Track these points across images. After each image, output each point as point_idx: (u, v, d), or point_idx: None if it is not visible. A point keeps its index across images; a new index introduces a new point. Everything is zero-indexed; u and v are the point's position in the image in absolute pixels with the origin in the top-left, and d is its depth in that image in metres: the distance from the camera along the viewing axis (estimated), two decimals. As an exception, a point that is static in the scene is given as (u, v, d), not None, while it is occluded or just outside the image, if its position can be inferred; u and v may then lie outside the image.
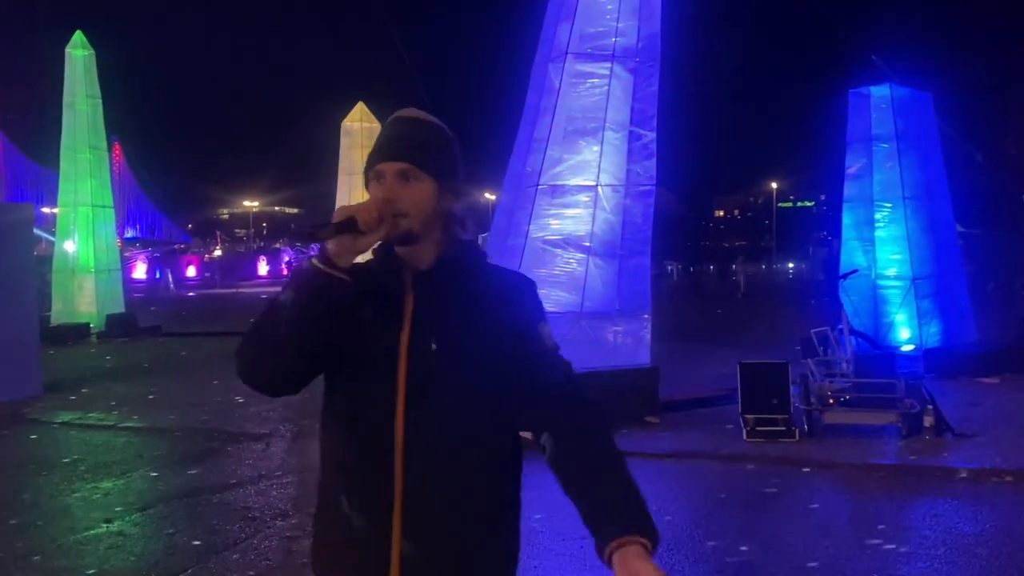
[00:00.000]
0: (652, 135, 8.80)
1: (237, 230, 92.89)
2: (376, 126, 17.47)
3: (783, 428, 7.32)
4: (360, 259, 1.74)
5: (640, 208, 8.79)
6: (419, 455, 1.71)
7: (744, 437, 7.36)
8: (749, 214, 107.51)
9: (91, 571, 4.77)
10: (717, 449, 7.20)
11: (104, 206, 16.78)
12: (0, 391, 9.73)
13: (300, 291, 1.65)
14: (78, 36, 16.31)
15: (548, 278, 8.43)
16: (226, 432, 8.23)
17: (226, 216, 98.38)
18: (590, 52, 8.61)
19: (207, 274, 44.95)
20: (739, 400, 7.56)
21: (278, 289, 1.78)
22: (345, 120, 17.19)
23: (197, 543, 5.17)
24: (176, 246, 53.12)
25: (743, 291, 30.16)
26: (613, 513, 1.72)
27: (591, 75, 8.60)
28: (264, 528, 5.43)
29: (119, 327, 16.15)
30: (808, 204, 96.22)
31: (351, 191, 17.17)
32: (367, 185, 1.80)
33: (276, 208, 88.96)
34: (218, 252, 58.79)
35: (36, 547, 5.17)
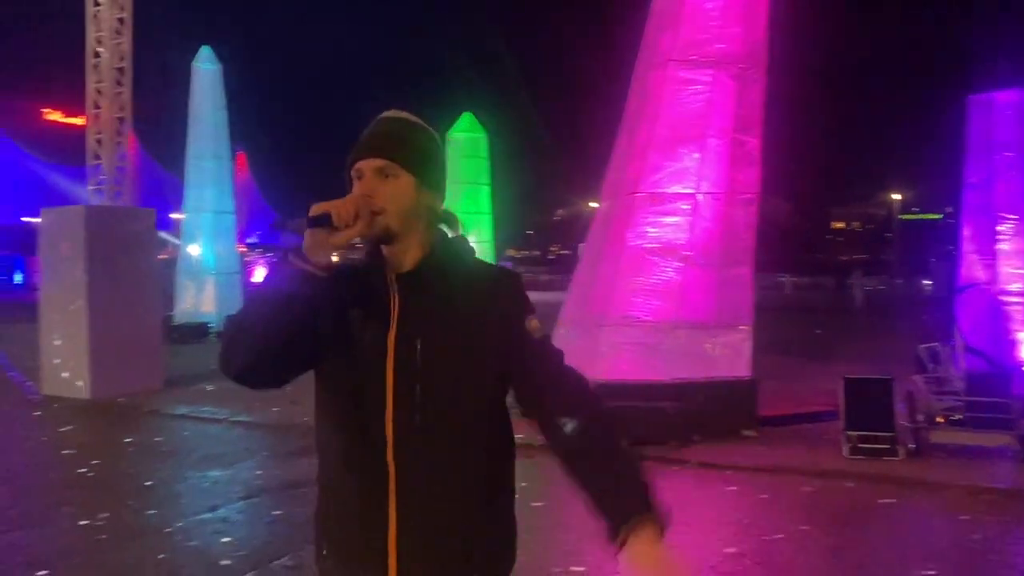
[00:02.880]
0: (756, 142, 8.63)
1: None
2: (482, 136, 17.78)
3: (887, 446, 7.03)
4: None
5: (742, 217, 8.62)
6: (409, 451, 1.72)
7: (845, 454, 7.10)
8: (870, 226, 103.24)
9: (195, 554, 5.04)
10: (815, 465, 6.96)
11: (225, 212, 17.66)
12: (125, 384, 10.40)
13: (277, 285, 1.64)
14: (205, 51, 17.26)
15: (644, 286, 8.39)
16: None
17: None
18: (693, 59, 8.52)
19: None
20: (842, 416, 7.31)
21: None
22: (451, 130, 17.56)
23: (294, 532, 5.39)
24: (294, 252, 54.93)
25: (859, 305, 28.99)
26: (621, 494, 1.69)
27: (693, 82, 8.51)
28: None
29: (236, 327, 16.86)
30: (935, 216, 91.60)
31: (454, 201, 17.51)
32: (349, 185, 1.80)
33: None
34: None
35: (146, 529, 5.50)
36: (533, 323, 1.85)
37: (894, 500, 6.20)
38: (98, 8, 11.11)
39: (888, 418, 7.14)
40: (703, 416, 7.89)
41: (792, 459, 7.21)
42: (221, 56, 17.38)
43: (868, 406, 7.21)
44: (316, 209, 1.65)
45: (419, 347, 1.73)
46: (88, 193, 11.95)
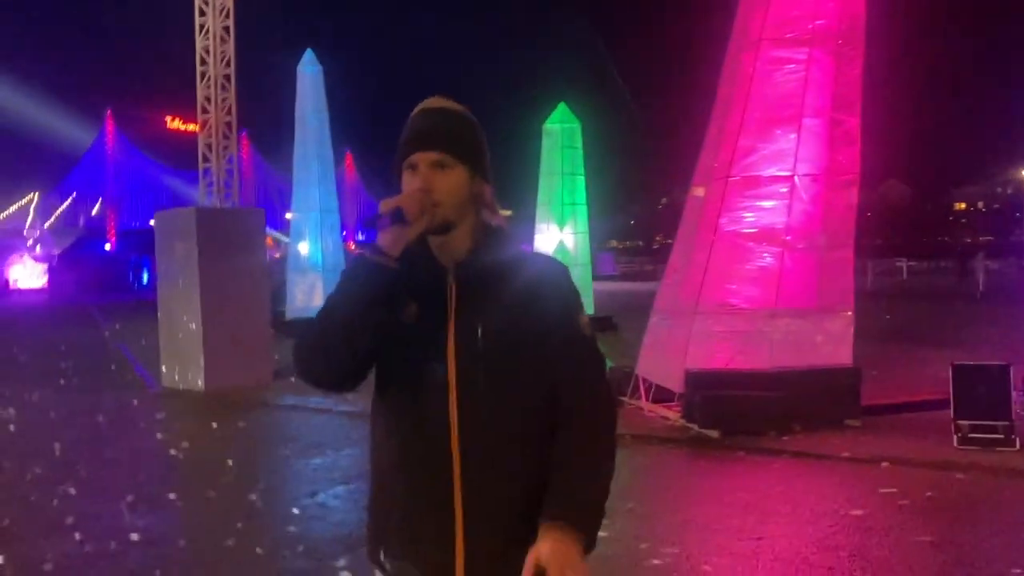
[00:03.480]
0: (855, 121, 8.29)
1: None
2: (577, 126, 17.69)
3: (1001, 436, 6.65)
4: None
5: (842, 198, 8.30)
6: (473, 438, 1.75)
7: (955, 444, 6.76)
8: (996, 206, 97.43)
9: (292, 538, 5.26)
10: (922, 456, 6.66)
11: (330, 211, 18.24)
12: (237, 376, 10.89)
13: (361, 284, 1.68)
14: (308, 54, 17.84)
15: (740, 272, 8.20)
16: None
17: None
18: (786, 37, 8.25)
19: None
20: (951, 405, 6.96)
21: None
22: (547, 121, 17.54)
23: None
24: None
25: (981, 290, 27.45)
26: (568, 495, 1.73)
27: (788, 61, 8.24)
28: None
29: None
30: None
31: (552, 192, 17.52)
32: (399, 176, 1.83)
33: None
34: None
35: (250, 513, 5.76)
36: (584, 318, 1.87)
37: (1007, 493, 5.87)
38: (204, 19, 11.66)
39: (1004, 407, 6.76)
40: (804, 405, 7.66)
41: (897, 449, 6.91)
42: (328, 59, 17.95)
43: (981, 394, 6.84)
44: (387, 205, 1.71)
45: (480, 333, 1.75)
46: (199, 195, 12.56)
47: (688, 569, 4.64)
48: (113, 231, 63.03)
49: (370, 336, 1.70)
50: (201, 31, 11.74)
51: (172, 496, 6.17)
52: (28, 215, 67.31)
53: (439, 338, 1.76)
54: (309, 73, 17.72)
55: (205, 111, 11.92)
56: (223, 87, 11.80)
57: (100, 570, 4.71)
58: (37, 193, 68.63)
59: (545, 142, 17.72)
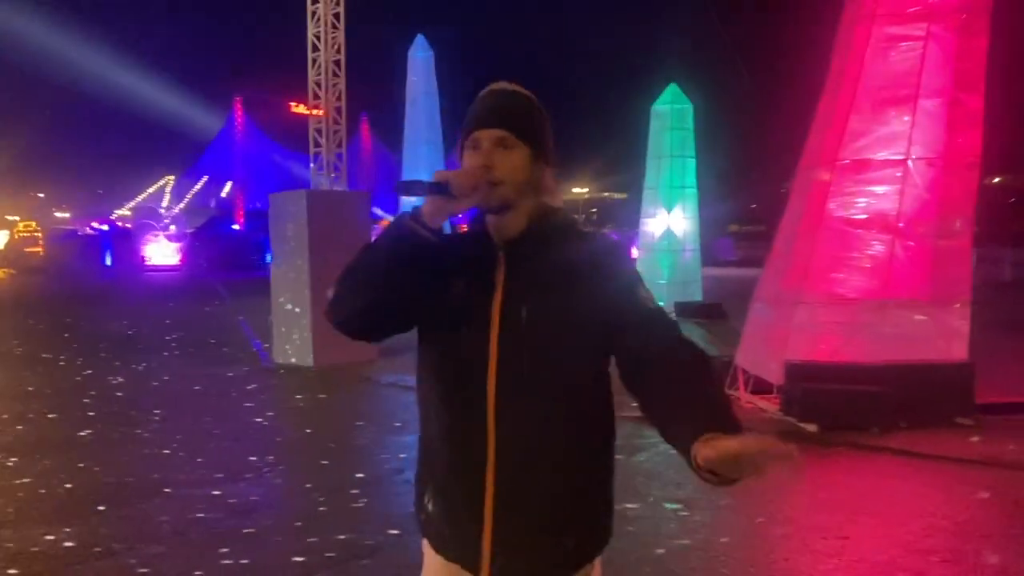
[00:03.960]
0: (978, 102, 7.76)
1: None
2: (688, 107, 17.31)
3: None
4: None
5: (960, 184, 7.80)
6: (509, 414, 1.75)
7: (1078, 449, 6.30)
8: None
9: (374, 513, 5.40)
10: (1039, 459, 6.24)
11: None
12: (344, 354, 11.22)
13: (391, 241, 1.70)
14: (419, 39, 18.12)
15: (847, 261, 7.84)
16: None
17: (562, 203, 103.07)
18: (903, 11, 7.79)
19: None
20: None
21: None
22: (656, 103, 17.24)
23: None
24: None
25: None
26: (707, 416, 1.55)
27: (903, 37, 7.78)
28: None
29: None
30: None
31: (660, 175, 17.22)
32: (461, 153, 1.83)
33: (606, 194, 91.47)
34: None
35: (342, 485, 5.94)
36: (644, 292, 1.84)
37: None
38: (316, 6, 12.01)
39: None
40: (911, 401, 7.28)
41: (1012, 452, 6.49)
42: (444, 44, 18.21)
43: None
44: (441, 175, 1.71)
45: (525, 313, 1.75)
46: (311, 178, 13.00)
47: (766, 564, 4.51)
48: (241, 211, 66.14)
49: (390, 294, 1.71)
50: (312, 18, 12.10)
51: (272, 470, 6.45)
52: (163, 197, 71.40)
53: (484, 315, 1.76)
54: (420, 58, 18.02)
55: (316, 97, 12.30)
56: (334, 73, 12.14)
57: (208, 534, 4.97)
58: (172, 176, 72.71)
59: (654, 124, 17.43)
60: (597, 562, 1.93)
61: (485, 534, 1.78)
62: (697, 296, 17.09)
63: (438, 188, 1.67)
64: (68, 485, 5.85)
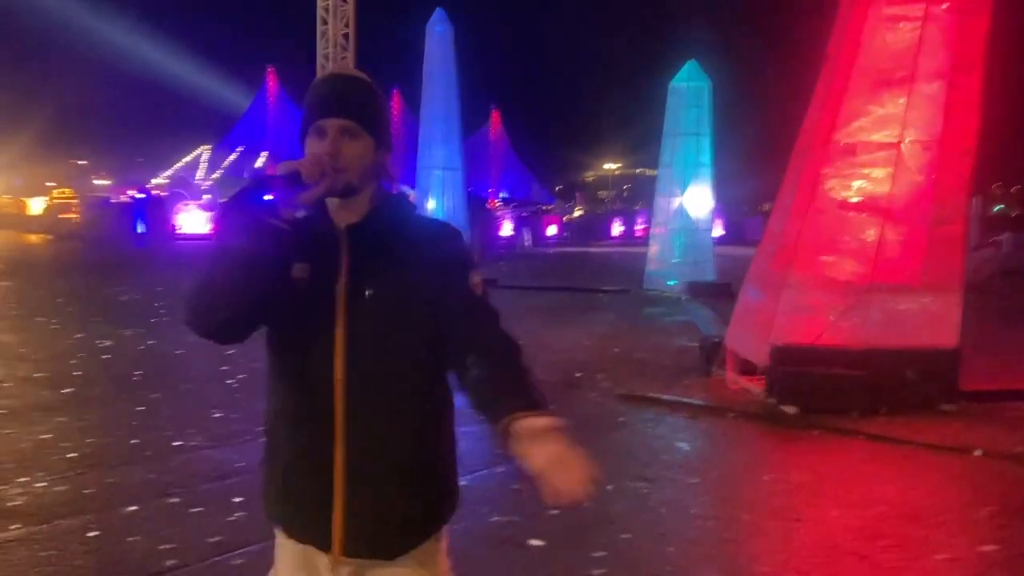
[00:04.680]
0: (976, 85, 7.62)
1: (600, 192, 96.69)
2: (705, 85, 17.11)
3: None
4: None
5: (955, 169, 7.67)
6: (357, 393, 1.82)
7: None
8: None
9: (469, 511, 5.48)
10: (1012, 449, 6.19)
11: (454, 169, 18.57)
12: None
13: (244, 241, 1.70)
14: (438, 12, 18.06)
15: (835, 243, 7.78)
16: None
17: (591, 178, 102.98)
18: (902, -9, 7.66)
19: (566, 233, 47.28)
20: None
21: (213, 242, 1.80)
22: (674, 79, 17.06)
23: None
24: (541, 207, 56.64)
25: None
26: (513, 393, 1.77)
27: (901, 17, 7.64)
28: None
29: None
30: None
31: (675, 153, 17.07)
32: (302, 140, 1.87)
33: (637, 170, 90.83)
34: (578, 213, 61.61)
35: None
36: (476, 278, 1.92)
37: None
38: (324, -21, 12.07)
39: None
40: (893, 386, 7.24)
41: (991, 440, 6.43)
42: (471, 17, 18.04)
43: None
44: (286, 167, 1.76)
45: (369, 294, 1.83)
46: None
47: (711, 544, 4.56)
48: (274, 182, 66.17)
49: (257, 292, 1.74)
50: (321, -8, 12.16)
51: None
52: (197, 167, 72.23)
53: (329, 297, 1.83)
54: (437, 32, 17.97)
55: (324, 69, 12.38)
56: (342, 47, 12.22)
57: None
58: (208, 146, 73.47)
59: (670, 101, 17.26)
60: (445, 529, 2.01)
61: (336, 512, 1.84)
62: (709, 276, 16.99)
63: (292, 179, 1.72)
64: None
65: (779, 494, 5.33)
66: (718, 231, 26.11)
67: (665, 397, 7.83)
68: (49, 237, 35.75)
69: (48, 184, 63.73)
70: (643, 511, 4.99)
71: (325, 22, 12.18)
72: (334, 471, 1.84)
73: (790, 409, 7.25)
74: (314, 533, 1.89)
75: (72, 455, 5.79)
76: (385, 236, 1.86)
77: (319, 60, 12.37)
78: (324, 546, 1.88)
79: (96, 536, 4.38)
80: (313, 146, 1.83)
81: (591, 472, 1.63)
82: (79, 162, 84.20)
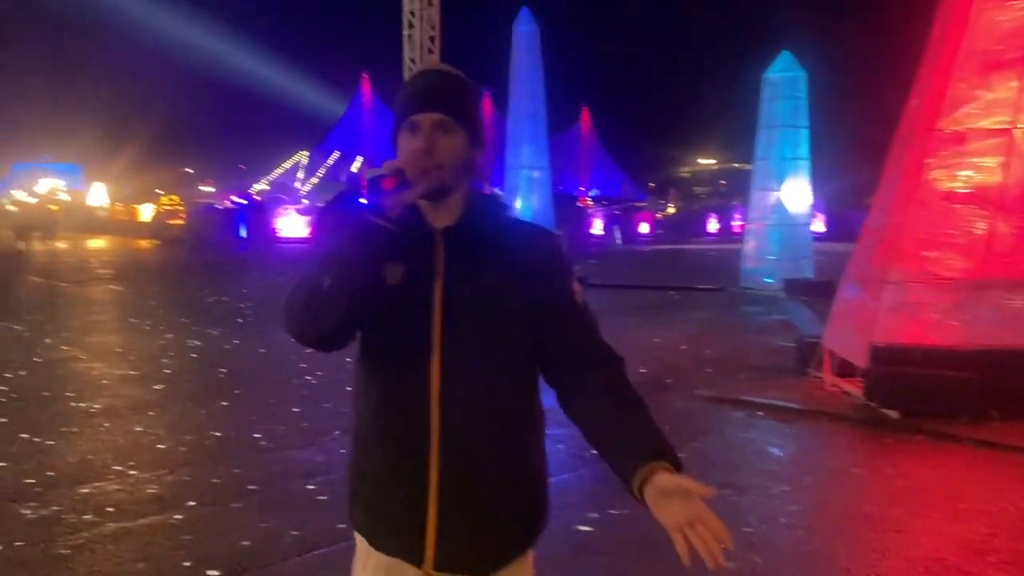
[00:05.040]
0: (1097, 63, 7.06)
1: (695, 188, 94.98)
2: (801, 75, 16.55)
3: None
4: None
5: (1074, 155, 7.14)
6: (454, 401, 1.73)
7: None
8: None
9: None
10: None
11: (541, 168, 18.51)
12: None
13: (358, 245, 1.63)
14: (524, 12, 18.04)
15: (941, 238, 7.35)
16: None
17: (686, 174, 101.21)
18: (1014, -33, 7.16)
19: (659, 231, 46.59)
20: None
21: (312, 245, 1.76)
22: (768, 71, 16.54)
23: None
24: (633, 204, 56.03)
25: None
26: (638, 444, 1.69)
27: (1012, -5, 7.17)
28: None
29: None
30: None
31: (771, 146, 16.55)
32: (394, 138, 1.78)
33: (735, 165, 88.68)
34: (672, 209, 60.68)
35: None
36: (576, 285, 1.85)
37: None
38: (411, -16, 12.18)
39: None
40: (1005, 390, 6.77)
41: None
42: (559, 17, 17.99)
43: None
44: (390, 166, 1.68)
45: (467, 298, 1.74)
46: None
47: (800, 555, 4.34)
48: (371, 186, 67.59)
49: (359, 295, 1.67)
50: (407, -3, 12.29)
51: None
52: (296, 173, 74.43)
53: (425, 301, 1.74)
54: (524, 32, 17.94)
55: (411, 72, 12.50)
56: (429, 50, 12.31)
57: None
58: (306, 152, 75.62)
59: (765, 92, 16.76)
60: (530, 550, 1.90)
61: (429, 525, 1.75)
62: (808, 273, 16.42)
63: (400, 177, 1.65)
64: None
65: (877, 503, 5.03)
66: (818, 226, 25.30)
67: (758, 399, 7.55)
68: (157, 242, 37.39)
69: (157, 191, 66.88)
70: (729, 519, 4.76)
71: (412, 25, 12.27)
72: (428, 486, 1.74)
73: (891, 413, 6.87)
74: (405, 547, 1.80)
75: (161, 446, 6.03)
76: (481, 239, 1.76)
77: (406, 63, 12.48)
78: (415, 561, 1.79)
79: (183, 531, 4.49)
80: (406, 142, 1.74)
81: (729, 537, 1.60)
82: (186, 170, 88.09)
